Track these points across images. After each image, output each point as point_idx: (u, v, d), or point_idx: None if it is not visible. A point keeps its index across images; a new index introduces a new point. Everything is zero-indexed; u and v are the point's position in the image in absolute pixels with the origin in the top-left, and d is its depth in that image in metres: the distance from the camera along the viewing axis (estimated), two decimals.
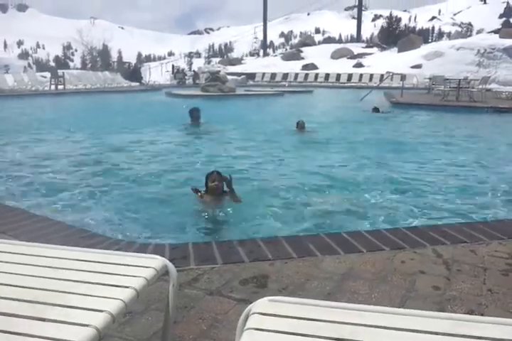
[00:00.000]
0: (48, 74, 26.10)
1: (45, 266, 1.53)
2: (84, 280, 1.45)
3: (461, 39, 38.87)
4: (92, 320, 1.22)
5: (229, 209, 4.23)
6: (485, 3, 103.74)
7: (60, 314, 1.27)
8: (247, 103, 17.72)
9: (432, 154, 7.35)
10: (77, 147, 7.88)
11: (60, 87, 23.95)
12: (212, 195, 4.24)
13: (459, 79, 17.41)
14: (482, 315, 2.07)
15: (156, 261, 1.59)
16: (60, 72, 25.62)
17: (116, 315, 1.27)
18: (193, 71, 34.58)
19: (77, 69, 42.94)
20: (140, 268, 1.54)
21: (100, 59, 44.55)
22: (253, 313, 1.26)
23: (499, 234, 3.10)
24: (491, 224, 3.40)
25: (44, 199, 4.65)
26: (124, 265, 1.56)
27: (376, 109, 13.63)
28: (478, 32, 63.64)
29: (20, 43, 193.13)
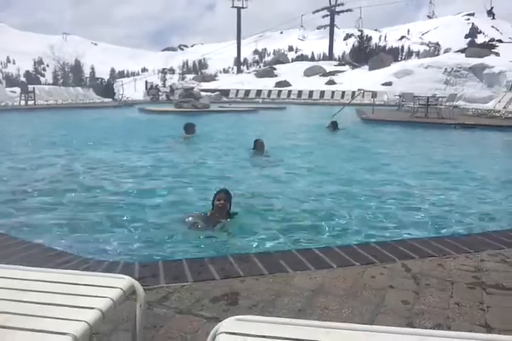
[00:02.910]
0: (17, 90, 25.69)
1: (6, 288, 1.49)
2: (47, 302, 1.41)
3: (429, 58, 40.11)
4: None
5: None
6: (493, 18, 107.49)
7: (21, 338, 1.23)
8: (219, 120, 17.70)
9: (396, 171, 7.33)
10: (54, 163, 7.74)
11: (31, 102, 23.58)
12: (218, 214, 4.22)
13: (428, 97, 17.94)
14: (449, 328, 2.10)
15: (123, 281, 1.56)
16: (30, 87, 25.26)
17: (80, 338, 1.25)
18: (170, 87, 34.57)
19: (48, 84, 42.41)
20: (106, 288, 1.51)
21: (72, 74, 44.14)
22: (220, 333, 1.25)
23: (466, 247, 3.17)
24: (458, 238, 3.48)
25: (9, 218, 4.53)
26: (90, 285, 1.53)
27: (335, 124, 12.96)
28: (446, 51, 65.75)
29: None
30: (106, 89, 32.89)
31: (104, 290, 1.50)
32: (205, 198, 5.30)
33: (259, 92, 36.01)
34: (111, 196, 5.47)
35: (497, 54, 33.79)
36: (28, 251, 3.06)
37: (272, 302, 2.34)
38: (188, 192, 5.78)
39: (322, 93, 33.79)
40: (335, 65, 47.14)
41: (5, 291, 1.47)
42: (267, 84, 39.14)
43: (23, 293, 1.47)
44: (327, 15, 66.64)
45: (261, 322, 1.31)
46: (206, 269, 2.74)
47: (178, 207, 5.03)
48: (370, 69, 39.54)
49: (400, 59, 64.94)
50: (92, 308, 1.38)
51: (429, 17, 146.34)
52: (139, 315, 1.57)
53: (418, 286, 2.55)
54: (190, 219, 4.27)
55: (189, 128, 10.77)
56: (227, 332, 1.25)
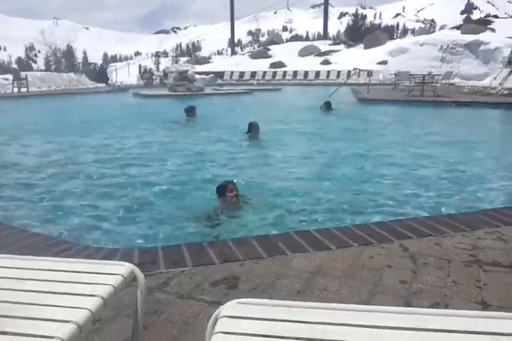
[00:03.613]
0: (10, 77, 25.36)
1: (8, 277, 1.50)
2: (49, 291, 1.42)
3: (425, 35, 39.67)
4: (57, 332, 1.20)
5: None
6: None
7: (23, 326, 1.24)
8: (213, 103, 17.53)
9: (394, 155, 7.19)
10: (55, 149, 7.72)
11: (24, 89, 23.33)
12: (232, 203, 4.40)
13: (424, 75, 17.77)
14: (447, 306, 2.13)
15: (123, 268, 1.57)
16: (22, 73, 24.94)
17: (83, 325, 1.26)
18: (163, 71, 34.17)
19: (40, 70, 41.91)
20: (107, 275, 1.52)
21: (65, 60, 43.58)
22: (222, 316, 1.26)
23: (463, 226, 3.19)
24: (455, 217, 3.50)
25: (8, 206, 4.53)
26: (91, 273, 1.53)
27: (328, 104, 12.75)
28: (441, 28, 65.20)
29: None
30: (99, 74, 32.44)
31: (104, 277, 1.51)
32: (203, 180, 5.43)
33: (253, 74, 35.62)
34: (111, 181, 5.49)
35: (493, 30, 33.46)
36: (27, 239, 3.07)
37: (272, 285, 2.37)
38: (188, 176, 5.82)
39: (317, 73, 33.48)
40: (330, 45, 46.50)
41: (5, 280, 1.48)
42: (262, 65, 38.73)
43: (23, 281, 1.48)
44: None
45: (263, 305, 1.32)
46: (205, 254, 2.76)
47: (179, 191, 5.08)
48: (365, 47, 39.10)
49: (395, 37, 64.26)
50: (94, 295, 1.39)
51: None
52: (140, 301, 1.58)
53: (415, 265, 2.58)
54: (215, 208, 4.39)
55: (190, 111, 11.01)
56: (228, 316, 1.26)
